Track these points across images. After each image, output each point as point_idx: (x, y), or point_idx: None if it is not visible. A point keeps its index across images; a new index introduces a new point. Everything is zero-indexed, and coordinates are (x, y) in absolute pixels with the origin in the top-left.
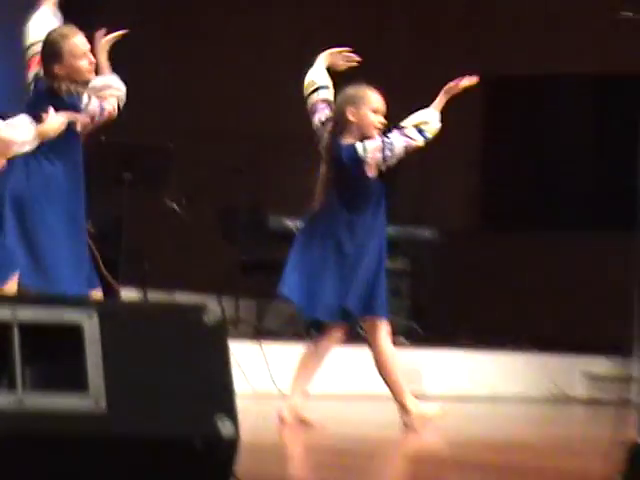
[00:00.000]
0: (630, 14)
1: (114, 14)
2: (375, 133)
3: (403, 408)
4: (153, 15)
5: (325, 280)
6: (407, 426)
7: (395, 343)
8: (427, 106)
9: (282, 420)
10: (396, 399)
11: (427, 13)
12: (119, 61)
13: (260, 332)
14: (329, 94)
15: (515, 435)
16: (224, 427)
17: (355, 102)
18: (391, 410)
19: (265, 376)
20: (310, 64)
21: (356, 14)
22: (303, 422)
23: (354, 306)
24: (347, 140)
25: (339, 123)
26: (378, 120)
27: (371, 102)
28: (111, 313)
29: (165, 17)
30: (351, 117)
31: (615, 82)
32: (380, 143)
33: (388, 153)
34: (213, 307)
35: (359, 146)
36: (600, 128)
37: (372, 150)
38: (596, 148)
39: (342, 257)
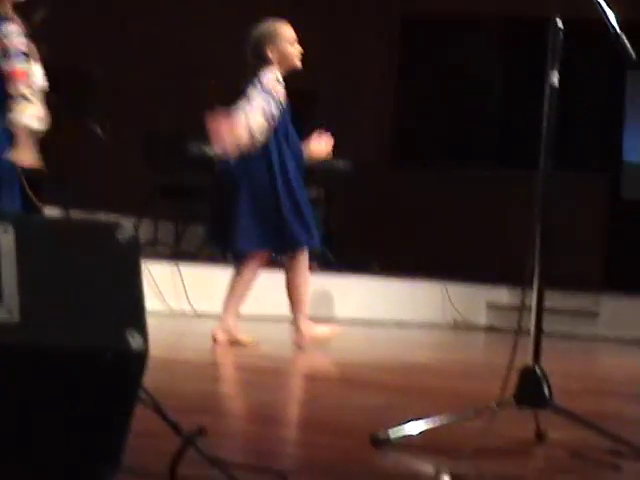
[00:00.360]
0: None
1: None
2: (297, 62)
3: (297, 329)
4: None
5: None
6: (298, 346)
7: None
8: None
9: (215, 340)
10: (294, 319)
11: None
12: None
13: (177, 254)
14: None
15: (418, 358)
16: (133, 340)
17: (272, 38)
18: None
19: (181, 296)
20: None
21: None
22: (236, 342)
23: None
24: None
25: (260, 61)
26: (297, 50)
27: (287, 35)
28: (27, 227)
29: None
30: (271, 54)
31: (523, 25)
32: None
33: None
34: (127, 225)
35: None
36: (510, 70)
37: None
38: (506, 89)
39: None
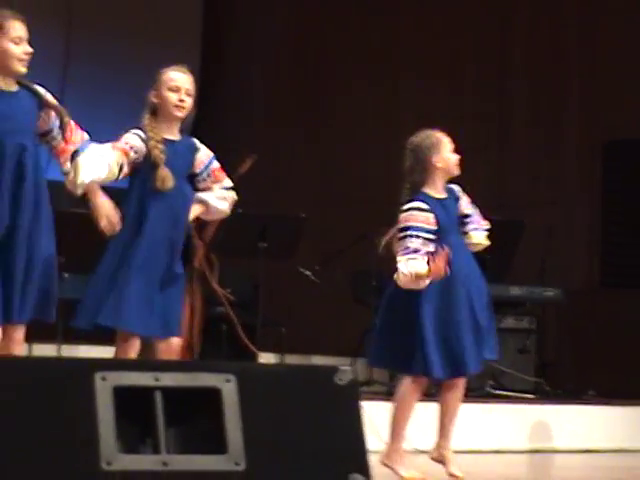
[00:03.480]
0: None
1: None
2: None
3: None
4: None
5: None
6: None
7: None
8: None
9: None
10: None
11: (545, 82)
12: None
13: (392, 392)
14: None
15: None
16: None
17: (435, 148)
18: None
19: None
20: None
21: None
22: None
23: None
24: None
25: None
26: (455, 158)
27: (447, 145)
28: (248, 376)
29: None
30: (437, 164)
31: None
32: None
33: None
34: (345, 368)
35: None
36: None
37: None
38: None
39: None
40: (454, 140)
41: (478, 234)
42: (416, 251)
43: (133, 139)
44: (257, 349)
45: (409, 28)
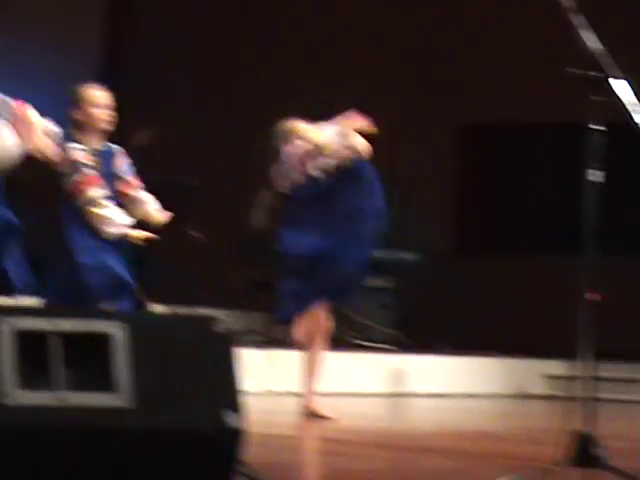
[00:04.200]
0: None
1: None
2: None
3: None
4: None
5: None
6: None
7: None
8: None
9: (305, 415)
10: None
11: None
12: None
13: (270, 340)
14: None
15: (483, 426)
16: (230, 419)
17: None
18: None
19: (271, 378)
20: None
21: None
22: (320, 417)
23: None
24: None
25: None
26: None
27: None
28: (139, 324)
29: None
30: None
31: (566, 130)
32: None
33: None
34: (222, 318)
35: None
36: (557, 169)
37: None
38: (555, 187)
39: None
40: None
41: None
42: None
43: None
44: (151, 301)
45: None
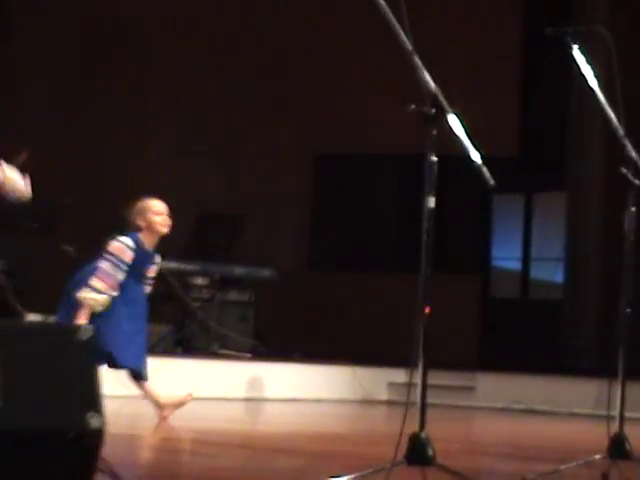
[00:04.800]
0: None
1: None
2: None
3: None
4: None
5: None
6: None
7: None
8: None
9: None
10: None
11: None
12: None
13: None
14: None
15: (332, 428)
16: (93, 420)
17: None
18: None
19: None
20: None
21: None
22: (180, 403)
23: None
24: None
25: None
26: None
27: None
28: (8, 332)
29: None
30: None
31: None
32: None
33: None
34: (86, 327)
35: None
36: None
37: None
38: (395, 211)
39: None
40: None
41: None
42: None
43: None
44: (24, 311)
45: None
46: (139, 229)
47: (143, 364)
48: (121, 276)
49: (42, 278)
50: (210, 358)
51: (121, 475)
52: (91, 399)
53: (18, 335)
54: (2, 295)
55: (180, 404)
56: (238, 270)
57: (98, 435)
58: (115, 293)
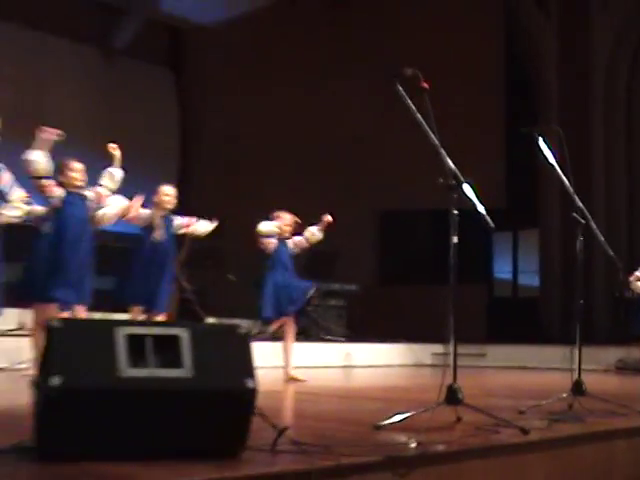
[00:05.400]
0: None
1: None
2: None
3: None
4: None
5: None
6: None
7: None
8: None
9: (287, 380)
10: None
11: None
12: None
13: (277, 337)
14: None
15: (397, 383)
16: (250, 383)
17: None
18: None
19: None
20: None
21: None
22: (297, 380)
23: None
24: None
25: None
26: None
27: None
28: (196, 328)
29: None
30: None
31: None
32: None
33: None
34: (243, 324)
35: None
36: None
37: None
38: (434, 246)
39: None
40: None
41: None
42: None
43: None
44: (205, 316)
45: None
46: None
47: None
48: None
49: (213, 295)
50: (320, 342)
51: (269, 416)
52: (248, 369)
53: (203, 331)
54: (192, 306)
55: (298, 380)
56: (334, 286)
57: (253, 392)
58: None
